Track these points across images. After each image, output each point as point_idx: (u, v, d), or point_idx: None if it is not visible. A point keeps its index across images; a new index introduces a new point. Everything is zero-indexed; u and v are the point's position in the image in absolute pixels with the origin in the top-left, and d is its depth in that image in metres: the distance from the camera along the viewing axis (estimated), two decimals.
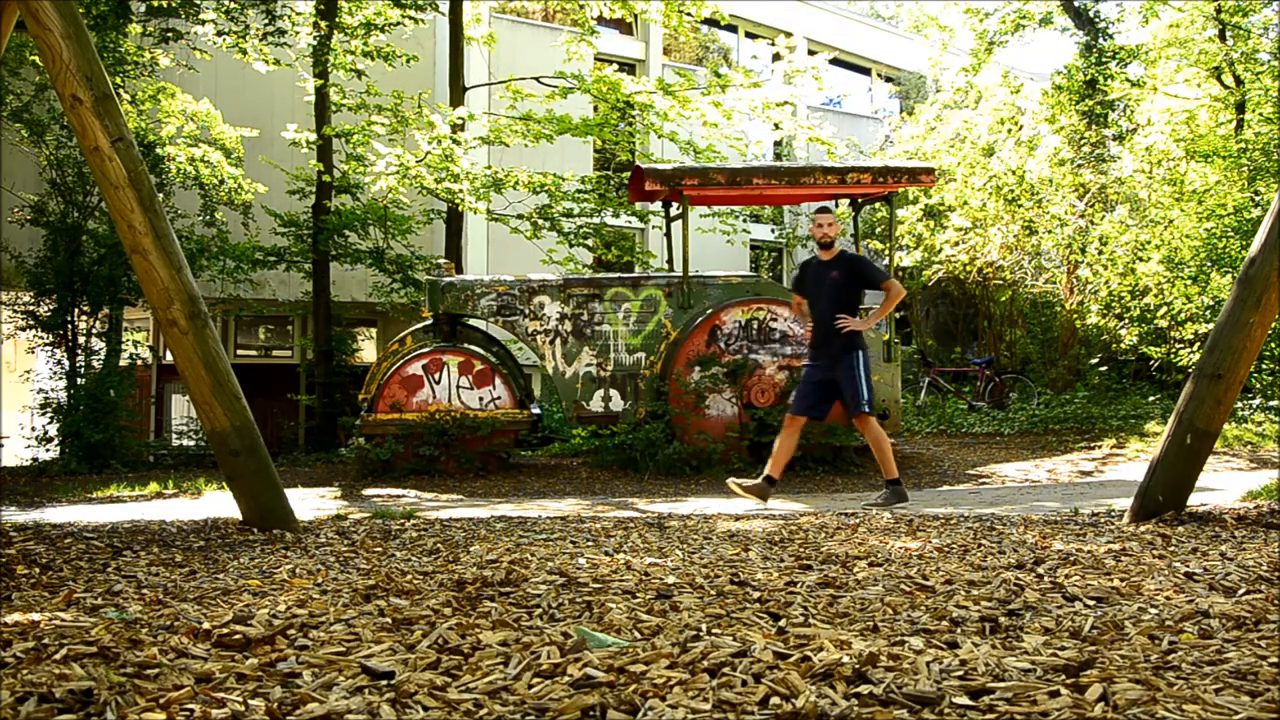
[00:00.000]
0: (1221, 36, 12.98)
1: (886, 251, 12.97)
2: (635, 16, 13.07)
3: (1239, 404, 9.80)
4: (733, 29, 20.75)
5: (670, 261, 9.64)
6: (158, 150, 10.42)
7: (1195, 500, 3.94)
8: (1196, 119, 12.77)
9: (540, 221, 12.03)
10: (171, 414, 14.59)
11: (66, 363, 10.28)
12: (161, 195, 8.84)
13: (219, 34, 10.84)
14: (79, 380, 10.15)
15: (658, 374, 8.08)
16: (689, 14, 12.19)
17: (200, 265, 10.84)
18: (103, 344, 10.44)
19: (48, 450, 10.23)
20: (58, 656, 1.59)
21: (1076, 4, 14.11)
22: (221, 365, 3.56)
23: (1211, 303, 10.53)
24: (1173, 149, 12.72)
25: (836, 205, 10.45)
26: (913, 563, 2.73)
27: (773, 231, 18.96)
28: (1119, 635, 1.83)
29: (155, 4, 10.24)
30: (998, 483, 7.37)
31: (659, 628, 1.89)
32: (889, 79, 23.02)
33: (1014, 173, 13.79)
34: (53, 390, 10.37)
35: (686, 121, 11.90)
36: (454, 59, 11.85)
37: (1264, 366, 10.24)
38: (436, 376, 8.06)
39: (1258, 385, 10.42)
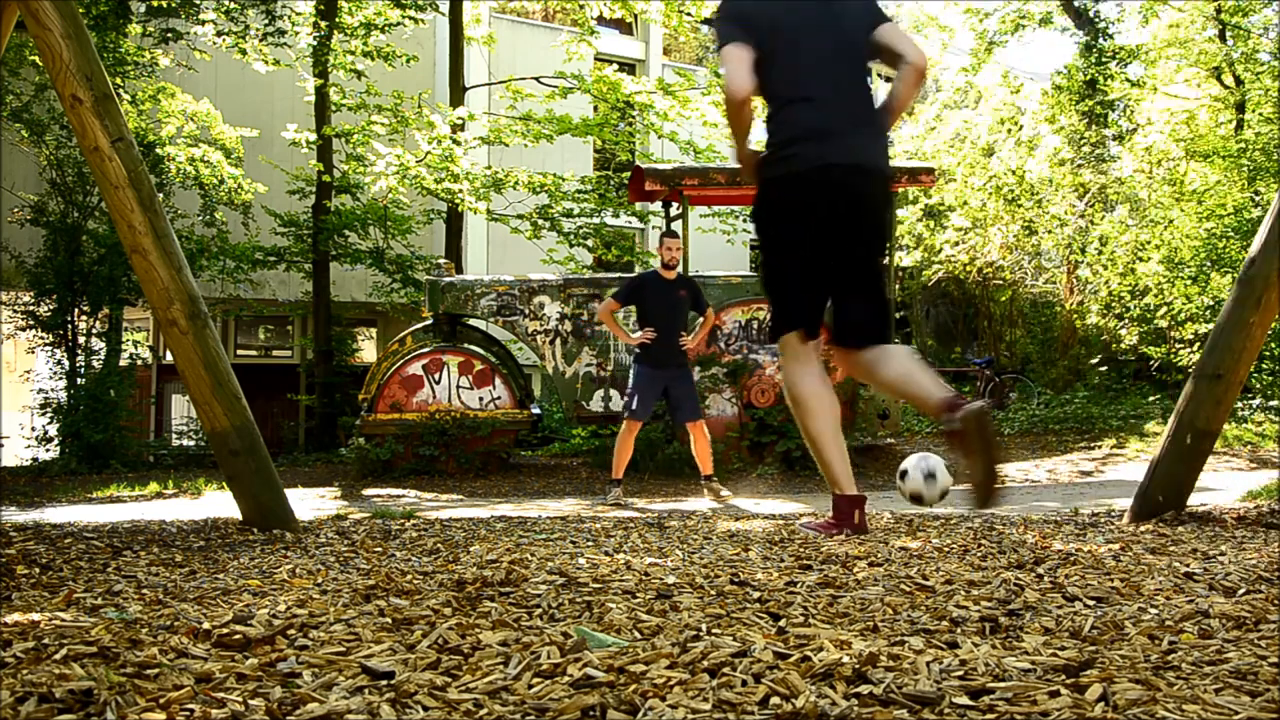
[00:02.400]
0: (1221, 37, 12.99)
1: None
2: (635, 16, 13.07)
3: (1239, 404, 9.80)
4: None
5: None
6: (158, 150, 10.42)
7: (1195, 500, 3.94)
8: (1196, 119, 12.78)
9: (540, 221, 12.03)
10: (171, 414, 14.58)
11: (66, 363, 10.27)
12: (161, 195, 8.83)
13: (219, 34, 10.84)
14: (79, 380, 10.15)
15: None
16: (689, 14, 12.19)
17: (200, 265, 10.84)
18: (103, 344, 10.44)
19: (48, 450, 10.23)
20: (58, 656, 1.59)
21: (1076, 4, 14.11)
22: (221, 365, 3.56)
23: (1211, 303, 10.53)
24: (1173, 149, 12.72)
25: None
26: (913, 563, 2.73)
27: None
28: (1119, 635, 1.83)
29: (155, 4, 10.24)
30: None
31: (659, 628, 1.89)
32: (889, 79, 23.01)
33: (1014, 173, 13.79)
34: (53, 390, 10.37)
35: (686, 121, 11.90)
36: (454, 59, 11.85)
37: (1264, 366, 10.24)
38: (436, 376, 8.06)
39: (1258, 385, 10.42)
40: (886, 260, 3.17)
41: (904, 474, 3.66)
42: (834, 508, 3.33)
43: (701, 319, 6.53)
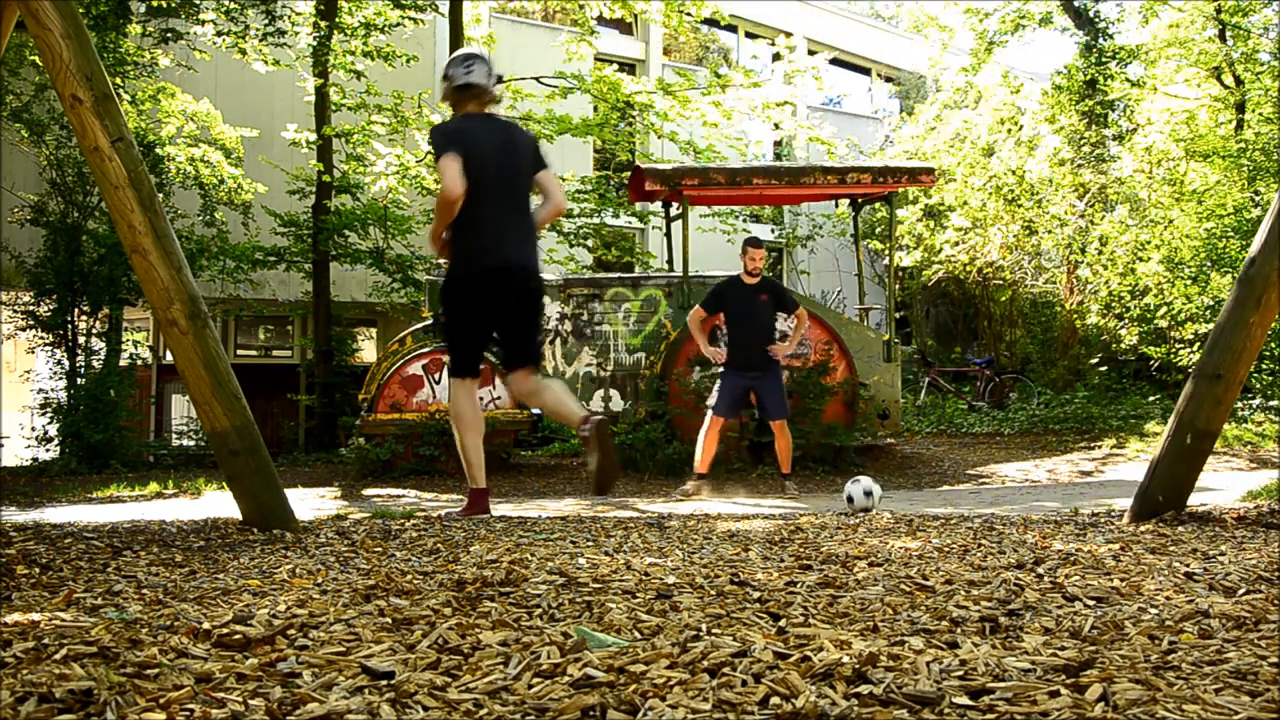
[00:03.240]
0: (1221, 36, 12.99)
1: (886, 251, 13.00)
2: (635, 16, 13.08)
3: (1239, 404, 9.80)
4: (733, 29, 20.75)
5: (670, 261, 9.64)
6: (158, 150, 10.41)
7: (1195, 500, 3.94)
8: (1196, 119, 12.77)
9: None
10: (171, 414, 14.58)
11: (66, 363, 10.27)
12: (161, 195, 8.83)
13: (219, 34, 10.83)
14: (79, 380, 10.14)
15: (658, 374, 8.08)
16: (689, 14, 12.19)
17: (200, 265, 10.83)
18: (103, 344, 10.43)
19: (48, 450, 10.22)
20: (58, 656, 1.59)
21: (1076, 4, 14.11)
22: (221, 365, 3.56)
23: (1211, 303, 10.53)
24: (1173, 149, 12.72)
25: (836, 204, 10.54)
26: (913, 563, 2.73)
27: (773, 231, 18.96)
28: (1119, 635, 1.83)
29: (155, 4, 10.23)
30: (998, 483, 7.37)
31: (659, 628, 1.89)
32: (889, 79, 23.02)
33: (1014, 173, 13.79)
34: (53, 390, 10.36)
35: (686, 121, 11.90)
36: None
37: (1264, 366, 10.24)
38: (436, 376, 8.06)
39: (1258, 385, 10.42)
40: (541, 319, 4.48)
41: (853, 481, 5.17)
42: (470, 497, 4.43)
43: (793, 320, 6.71)
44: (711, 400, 6.55)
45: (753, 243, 6.60)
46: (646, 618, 1.97)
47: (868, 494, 4.96)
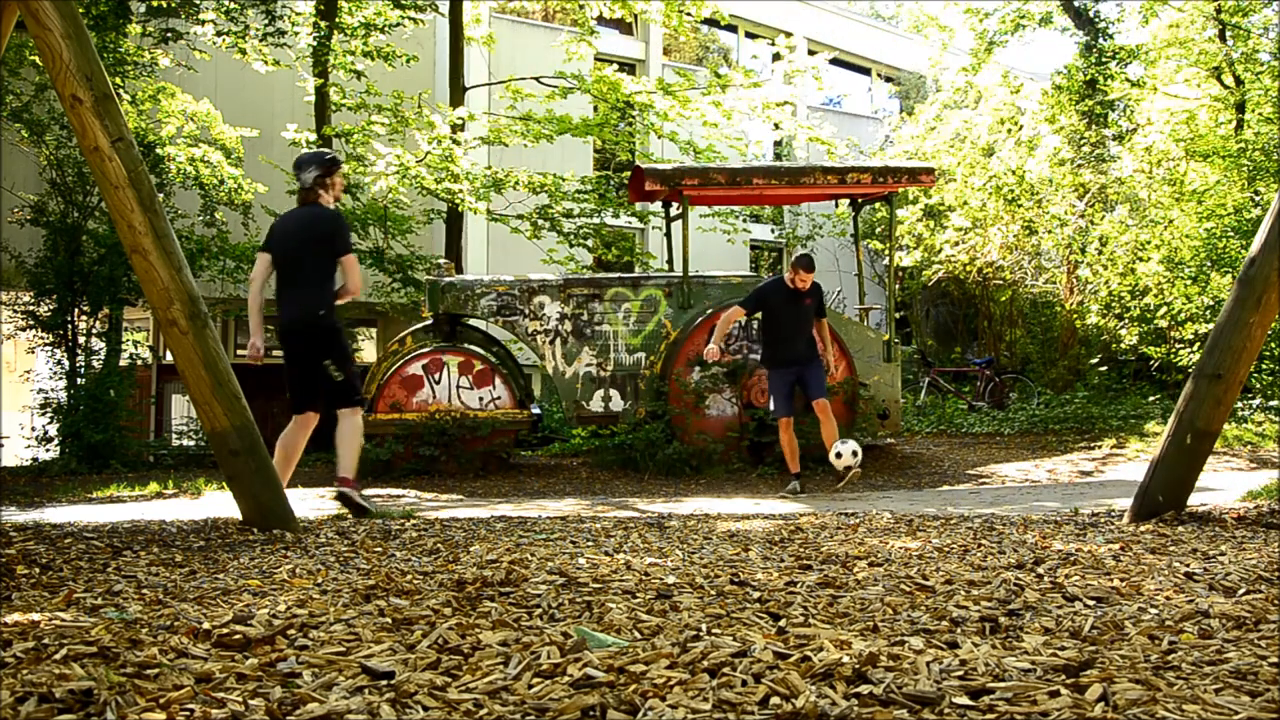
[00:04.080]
0: (1221, 36, 12.98)
1: (886, 251, 13.01)
2: (635, 16, 13.07)
3: (1239, 404, 9.80)
4: (733, 29, 20.74)
5: (670, 261, 9.64)
6: (158, 150, 10.40)
7: (1195, 500, 3.94)
8: (1196, 119, 12.76)
9: (540, 221, 12.03)
10: (171, 414, 14.55)
11: (66, 363, 10.25)
12: (161, 195, 8.80)
13: (219, 34, 10.82)
14: (79, 380, 10.13)
15: (658, 374, 8.07)
16: (689, 14, 12.19)
17: (200, 265, 10.82)
18: (103, 344, 10.42)
19: (48, 450, 10.21)
20: (58, 656, 1.59)
21: (1076, 4, 14.10)
22: (221, 365, 3.56)
23: (1211, 303, 10.53)
24: (1173, 149, 12.72)
25: (836, 204, 10.57)
26: (913, 563, 2.73)
27: (773, 231, 18.95)
28: (1119, 635, 1.83)
29: (155, 4, 10.23)
30: (998, 483, 7.37)
31: (659, 628, 1.89)
32: (889, 79, 23.01)
33: (1014, 173, 13.78)
34: (53, 390, 10.35)
35: (686, 121, 11.89)
36: (454, 59, 11.84)
37: (1264, 366, 10.23)
38: (436, 376, 8.06)
39: (1258, 385, 10.41)
40: (336, 367, 5.12)
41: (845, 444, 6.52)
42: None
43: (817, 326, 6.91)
44: (770, 405, 6.86)
45: (804, 264, 6.67)
46: (646, 618, 1.97)
47: (850, 458, 6.30)
